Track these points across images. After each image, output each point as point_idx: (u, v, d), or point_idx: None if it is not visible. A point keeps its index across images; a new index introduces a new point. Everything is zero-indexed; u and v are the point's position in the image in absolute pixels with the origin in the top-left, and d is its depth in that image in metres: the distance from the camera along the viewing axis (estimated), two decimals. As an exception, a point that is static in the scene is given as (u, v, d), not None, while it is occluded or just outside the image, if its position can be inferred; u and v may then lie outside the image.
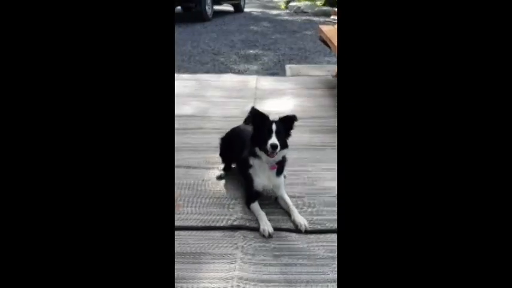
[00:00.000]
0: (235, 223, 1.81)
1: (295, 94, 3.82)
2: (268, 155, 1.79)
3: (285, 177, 2.09)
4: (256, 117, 1.87)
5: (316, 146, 2.65)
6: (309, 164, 2.40)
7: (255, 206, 1.89)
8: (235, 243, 1.67)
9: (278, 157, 1.85)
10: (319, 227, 1.78)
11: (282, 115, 1.91)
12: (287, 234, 1.75)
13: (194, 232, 1.74)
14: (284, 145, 1.84)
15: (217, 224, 1.80)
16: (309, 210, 1.93)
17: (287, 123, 1.88)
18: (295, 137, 2.81)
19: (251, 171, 1.93)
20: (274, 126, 1.80)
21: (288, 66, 5.07)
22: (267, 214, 1.85)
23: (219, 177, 2.25)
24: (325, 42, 4.13)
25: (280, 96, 3.65)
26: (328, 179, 2.21)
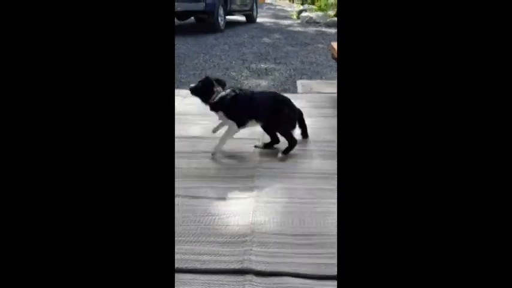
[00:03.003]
0: (242, 266, 1.70)
1: (306, 114, 3.71)
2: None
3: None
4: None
5: (327, 174, 2.54)
6: (320, 195, 2.29)
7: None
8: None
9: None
10: (328, 273, 1.65)
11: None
12: (293, 279, 1.64)
13: (197, 275, 1.65)
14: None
15: (224, 267, 1.70)
16: (317, 252, 1.80)
17: None
18: (305, 163, 2.75)
19: None
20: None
21: (299, 82, 4.99)
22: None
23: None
24: (336, 60, 4.05)
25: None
26: (339, 213, 2.11)
